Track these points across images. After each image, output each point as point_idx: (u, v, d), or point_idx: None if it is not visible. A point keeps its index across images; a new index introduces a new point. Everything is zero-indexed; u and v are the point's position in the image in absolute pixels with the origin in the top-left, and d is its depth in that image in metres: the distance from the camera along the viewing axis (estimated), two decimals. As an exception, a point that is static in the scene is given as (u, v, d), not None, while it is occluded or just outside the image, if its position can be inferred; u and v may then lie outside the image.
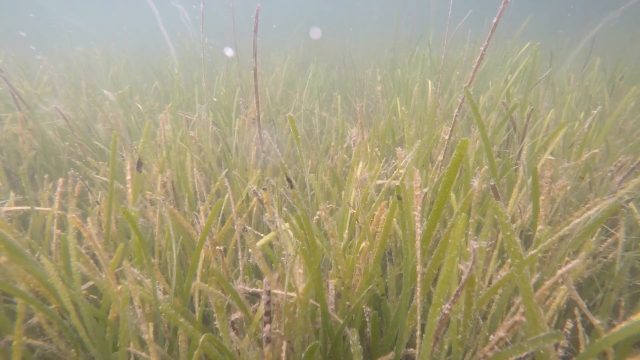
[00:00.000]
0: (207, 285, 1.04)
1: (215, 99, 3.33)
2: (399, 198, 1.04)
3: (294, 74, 5.33)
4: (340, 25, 12.94)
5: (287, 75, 5.19)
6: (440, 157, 1.77)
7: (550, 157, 1.12)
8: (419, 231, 1.07)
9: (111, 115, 2.34)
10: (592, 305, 1.52)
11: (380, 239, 1.27)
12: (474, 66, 1.50)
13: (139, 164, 1.41)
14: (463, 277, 0.82)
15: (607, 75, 3.59)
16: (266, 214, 1.58)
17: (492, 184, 1.24)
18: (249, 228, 1.73)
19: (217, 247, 1.49)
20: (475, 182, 1.35)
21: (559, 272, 0.85)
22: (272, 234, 1.47)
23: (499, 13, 1.40)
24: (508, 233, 0.76)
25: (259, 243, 1.41)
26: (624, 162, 1.74)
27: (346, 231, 1.71)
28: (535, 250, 0.90)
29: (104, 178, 2.22)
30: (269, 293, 0.86)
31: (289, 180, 0.98)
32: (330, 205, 2.43)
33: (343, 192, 2.12)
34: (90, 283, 1.44)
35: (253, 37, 1.96)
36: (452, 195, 1.46)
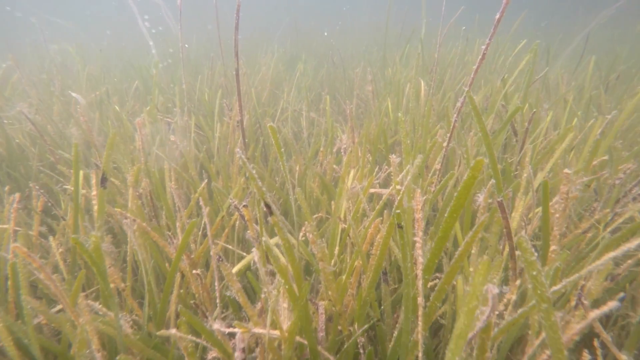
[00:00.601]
0: (174, 331, 0.89)
1: (197, 101, 3.16)
2: (400, 227, 0.91)
3: (282, 73, 5.16)
4: (328, 22, 12.78)
5: (275, 74, 5.03)
6: (437, 166, 1.64)
7: (567, 171, 1.00)
8: (420, 259, 0.93)
9: (82, 120, 2.16)
10: (609, 324, 1.41)
11: (375, 263, 1.13)
12: (474, 67, 1.37)
13: (103, 180, 1.25)
14: (478, 324, 0.68)
15: (603, 74, 3.51)
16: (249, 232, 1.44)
17: (499, 200, 1.11)
18: (231, 247, 1.58)
19: (195, 271, 1.33)
20: (480, 198, 1.22)
21: (591, 315, 0.72)
22: (248, 258, 1.32)
23: (502, 8, 1.27)
24: (534, 273, 0.63)
25: (235, 269, 1.26)
26: (632, 168, 1.63)
27: (337, 248, 1.58)
28: (558, 287, 0.77)
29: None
30: (243, 350, 0.72)
31: (267, 206, 0.83)
32: (320, 214, 2.29)
33: (333, 203, 1.98)
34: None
35: (234, 36, 1.81)
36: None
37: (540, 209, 1.38)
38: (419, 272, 0.93)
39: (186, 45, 5.78)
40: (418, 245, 0.91)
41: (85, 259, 1.55)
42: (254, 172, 0.92)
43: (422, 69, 3.75)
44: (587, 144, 1.68)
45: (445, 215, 0.79)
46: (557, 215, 1.03)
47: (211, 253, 1.19)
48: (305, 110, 3.76)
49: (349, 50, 6.93)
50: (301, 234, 1.93)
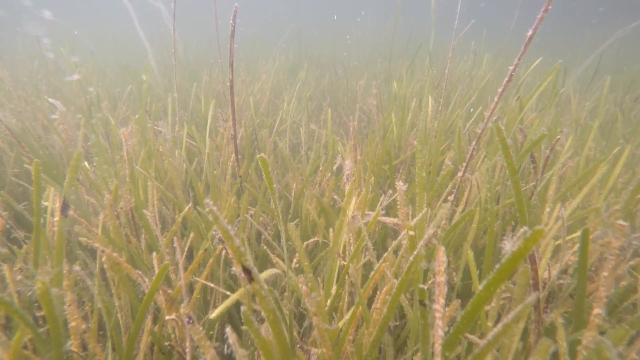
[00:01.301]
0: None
1: (192, 109, 2.98)
2: (423, 304, 0.72)
3: (282, 82, 5.00)
4: (332, 32, 12.68)
5: (275, 83, 4.87)
6: (450, 197, 1.46)
7: (623, 223, 0.82)
8: (440, 332, 0.75)
9: (62, 128, 1.98)
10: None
11: (381, 322, 0.94)
12: (499, 89, 1.20)
13: (64, 207, 1.06)
14: None
15: (619, 95, 3.36)
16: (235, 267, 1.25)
17: (532, 253, 0.93)
18: (213, 285, 1.39)
19: (170, 317, 1.14)
20: (508, 245, 1.04)
21: None
22: (232, 298, 1.13)
23: (536, 24, 1.10)
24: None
25: (214, 314, 1.07)
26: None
27: (334, 287, 1.39)
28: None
29: (45, 203, 1.85)
30: None
31: (246, 271, 0.65)
32: (316, 239, 2.11)
33: (332, 231, 1.80)
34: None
35: (229, 45, 1.63)
36: (471, 253, 1.14)
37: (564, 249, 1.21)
38: (438, 348, 0.74)
39: (181, 49, 5.64)
40: (438, 315, 0.73)
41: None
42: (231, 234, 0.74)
43: (429, 83, 3.60)
44: (600, 170, 1.51)
45: (480, 289, 0.61)
46: (606, 273, 0.85)
47: (181, 311, 1.00)
48: (305, 122, 3.59)
49: (352, 60, 6.79)
50: (295, 260, 1.75)
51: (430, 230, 0.88)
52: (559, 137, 1.56)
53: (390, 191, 2.09)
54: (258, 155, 0.85)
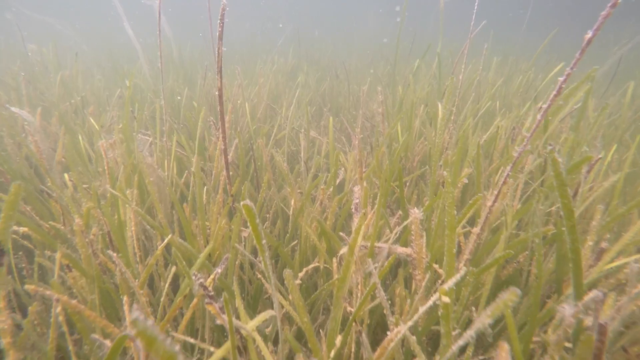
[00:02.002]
0: None
1: (183, 117, 2.76)
2: None
3: (281, 85, 4.78)
4: (333, 33, 12.48)
5: (273, 87, 4.64)
6: (475, 229, 1.24)
7: None
8: None
9: (31, 140, 1.76)
10: None
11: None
12: (542, 106, 0.98)
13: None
14: None
15: (637, 102, 3.15)
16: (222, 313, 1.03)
17: (603, 323, 0.71)
18: (192, 341, 1.17)
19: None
20: (567, 310, 0.82)
21: None
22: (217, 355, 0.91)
23: (598, 24, 0.88)
24: None
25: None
26: None
27: (339, 337, 1.17)
28: None
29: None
30: None
31: None
32: (317, 264, 1.89)
33: (335, 263, 1.57)
34: None
35: (217, 48, 1.41)
36: (511, 316, 0.92)
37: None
38: None
39: (176, 50, 5.41)
40: None
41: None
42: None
43: (437, 88, 3.38)
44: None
45: None
46: None
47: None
48: (305, 128, 3.37)
49: (353, 62, 6.57)
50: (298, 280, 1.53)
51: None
52: (599, 157, 1.34)
53: (400, 212, 1.87)
54: (242, 203, 0.63)
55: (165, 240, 1.30)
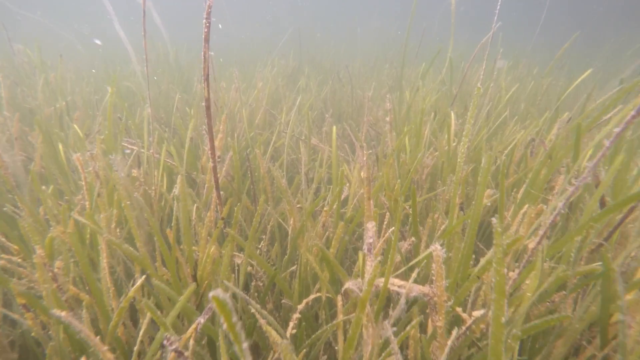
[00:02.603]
0: None
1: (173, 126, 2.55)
2: None
3: (281, 89, 4.57)
4: (336, 35, 12.28)
5: (273, 90, 4.43)
6: (512, 274, 1.02)
7: None
8: None
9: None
10: None
11: None
12: (614, 130, 0.77)
13: None
14: None
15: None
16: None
17: None
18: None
19: None
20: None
21: None
22: None
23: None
24: None
25: None
26: None
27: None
28: None
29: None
30: None
31: None
32: (318, 294, 1.67)
33: (340, 300, 1.36)
34: None
35: (203, 52, 1.21)
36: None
37: None
38: None
39: (172, 51, 5.20)
40: None
41: None
42: None
43: (448, 93, 3.17)
44: None
45: None
46: None
47: None
48: (306, 135, 3.17)
49: (356, 65, 6.36)
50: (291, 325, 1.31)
51: None
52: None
53: (413, 239, 1.66)
54: (211, 295, 0.42)
55: (138, 283, 1.09)
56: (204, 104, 1.31)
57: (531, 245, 1.01)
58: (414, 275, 1.24)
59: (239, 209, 1.65)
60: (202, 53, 1.18)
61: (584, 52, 8.37)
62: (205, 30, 1.13)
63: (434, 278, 1.17)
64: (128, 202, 1.35)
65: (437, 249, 1.13)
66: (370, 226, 0.97)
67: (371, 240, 0.96)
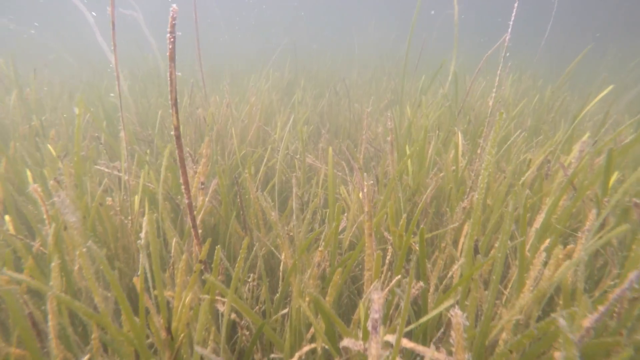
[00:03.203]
0: None
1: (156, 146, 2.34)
2: None
3: (275, 103, 4.38)
4: (332, 46, 12.17)
5: (267, 104, 4.23)
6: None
7: None
8: None
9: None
10: None
11: None
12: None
13: None
14: None
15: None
16: None
17: None
18: None
19: None
20: None
21: None
22: None
23: None
24: None
25: None
26: None
27: None
28: None
29: None
30: None
31: None
32: (313, 345, 1.45)
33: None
34: None
35: (168, 72, 1.00)
36: None
37: None
38: None
39: (162, 63, 5.00)
40: None
41: None
42: None
43: (451, 109, 2.97)
44: None
45: None
46: None
47: None
48: (301, 152, 2.95)
49: (353, 77, 6.18)
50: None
51: None
52: None
53: (421, 283, 1.44)
54: None
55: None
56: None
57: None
58: (421, 335, 1.02)
59: (221, 247, 1.43)
60: (168, 74, 0.97)
61: (587, 62, 8.24)
62: (170, 46, 0.92)
63: (453, 349, 0.95)
64: (83, 249, 1.13)
65: (457, 315, 0.91)
66: (376, 297, 0.75)
67: (377, 316, 0.74)
